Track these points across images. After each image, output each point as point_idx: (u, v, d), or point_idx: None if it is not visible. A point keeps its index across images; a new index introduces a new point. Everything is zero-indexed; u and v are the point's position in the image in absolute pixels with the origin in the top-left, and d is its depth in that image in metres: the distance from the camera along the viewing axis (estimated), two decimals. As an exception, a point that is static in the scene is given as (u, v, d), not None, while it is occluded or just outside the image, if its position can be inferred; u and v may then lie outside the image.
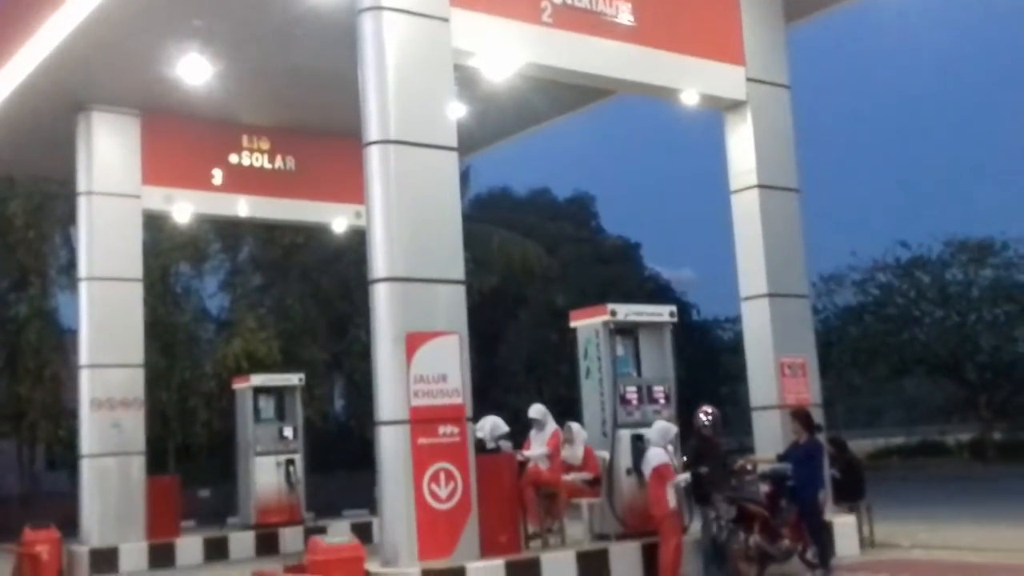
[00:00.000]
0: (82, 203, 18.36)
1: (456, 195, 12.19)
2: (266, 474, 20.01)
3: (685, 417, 13.15)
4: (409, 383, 11.14)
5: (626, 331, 13.59)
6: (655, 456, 12.19)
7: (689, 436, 12.96)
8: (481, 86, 15.31)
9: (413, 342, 11.24)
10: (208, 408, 29.36)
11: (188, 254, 30.01)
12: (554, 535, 12.97)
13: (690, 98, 14.82)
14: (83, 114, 18.23)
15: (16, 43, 16.65)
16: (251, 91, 18.08)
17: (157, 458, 22.48)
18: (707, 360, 40.64)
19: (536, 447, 13.09)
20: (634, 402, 13.24)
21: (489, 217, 36.51)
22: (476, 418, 12.05)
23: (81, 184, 18.33)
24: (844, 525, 13.90)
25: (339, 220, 21.22)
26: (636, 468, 12.78)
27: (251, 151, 20.04)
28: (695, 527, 12.64)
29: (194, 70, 16.47)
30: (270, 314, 30.96)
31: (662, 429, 12.52)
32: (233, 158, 19.84)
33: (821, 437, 13.33)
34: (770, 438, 14.17)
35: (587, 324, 13.46)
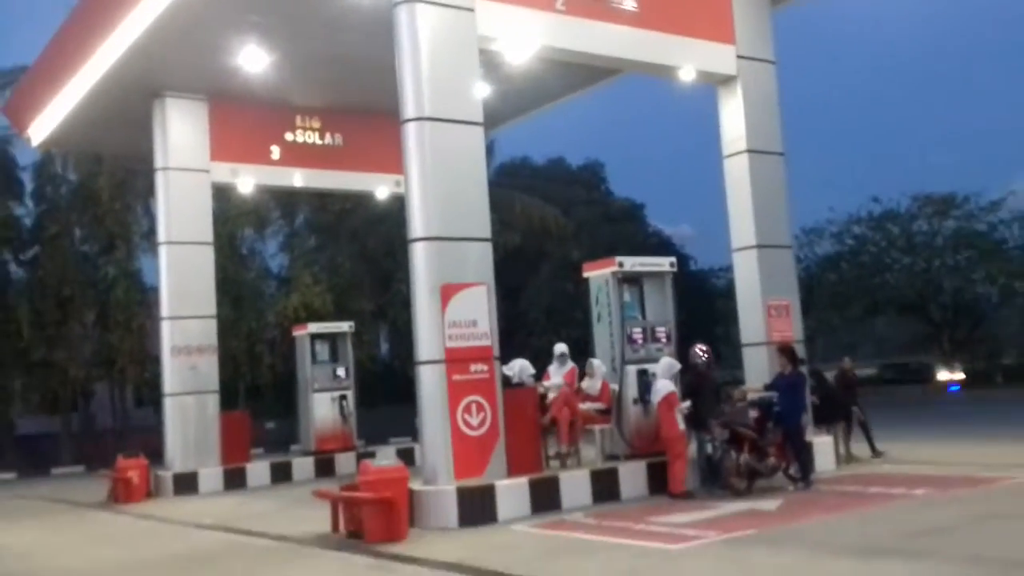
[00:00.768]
0: (159, 177, 18.45)
1: (482, 164, 12.14)
2: (323, 408, 20.19)
3: (682, 354, 13.16)
4: (444, 328, 11.19)
5: (632, 280, 13.57)
6: (664, 387, 12.24)
7: (686, 371, 12.97)
8: (503, 68, 15.21)
9: (447, 292, 11.28)
10: (272, 352, 29.68)
11: (252, 220, 30.13)
12: (571, 457, 13.07)
13: (687, 75, 14.66)
14: (158, 100, 18.26)
15: (99, 39, 16.62)
16: (303, 77, 18.02)
17: (229, 396, 22.73)
18: (703, 304, 40.49)
19: (555, 379, 13.17)
20: (639, 341, 13.24)
21: (512, 183, 36.34)
22: (503, 359, 12.11)
23: (158, 161, 18.41)
24: (822, 444, 13.95)
25: (381, 188, 21.21)
26: (642, 398, 12.84)
27: (304, 129, 20.02)
28: (692, 448, 12.70)
29: (253, 60, 16.46)
30: (323, 271, 31.12)
31: (667, 364, 12.57)
32: (288, 136, 19.84)
33: (804, 369, 13.33)
34: (759, 371, 14.20)
35: (598, 275, 13.44)
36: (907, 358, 46.04)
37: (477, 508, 10.80)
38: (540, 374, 13.56)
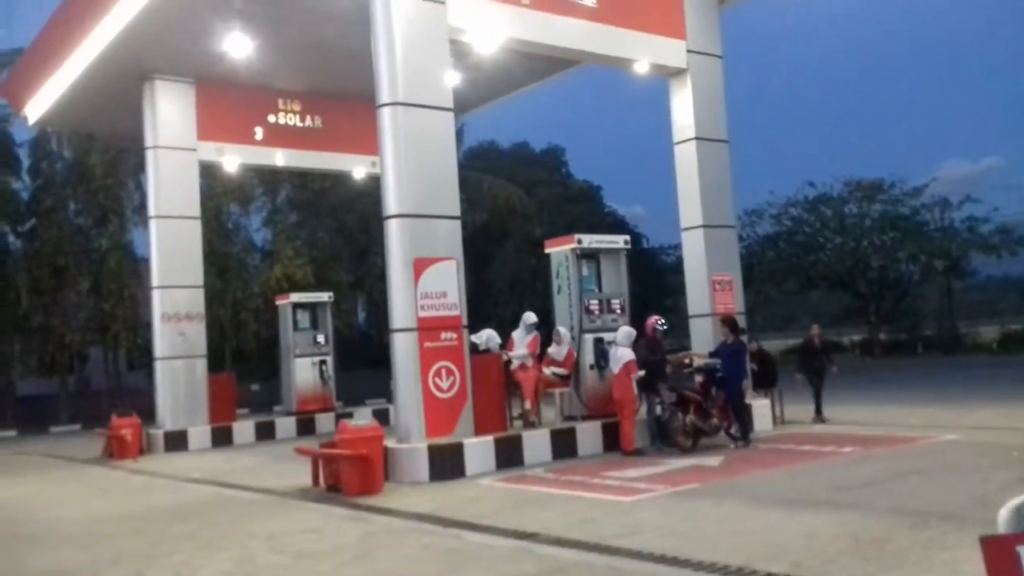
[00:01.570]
0: (149, 156, 18.15)
1: (452, 147, 12.06)
2: (304, 372, 20.11)
3: (637, 324, 13.20)
4: (416, 299, 11.16)
5: (590, 256, 13.59)
6: (624, 354, 12.24)
7: (639, 339, 13.03)
8: (472, 57, 15.10)
9: (419, 266, 11.23)
10: (256, 320, 29.45)
11: (236, 197, 29.80)
12: (533, 417, 13.11)
13: (641, 67, 14.63)
14: (148, 83, 17.92)
15: (92, 23, 16.26)
16: (284, 63, 17.76)
17: (216, 360, 22.54)
18: (654, 279, 40.67)
19: (519, 348, 13.15)
20: (596, 312, 13.29)
21: (479, 166, 36.17)
22: (471, 327, 12.05)
23: (148, 140, 18.09)
24: (761, 407, 14.10)
25: (358, 168, 21.02)
26: (598, 364, 12.90)
27: (285, 112, 19.78)
28: (643, 410, 12.80)
29: (237, 45, 16.12)
30: (304, 245, 30.85)
31: (627, 333, 12.57)
32: (271, 118, 19.59)
33: (744, 338, 13.46)
34: (704, 339, 14.31)
35: (559, 251, 13.44)
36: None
37: (447, 464, 10.83)
38: (505, 340, 13.57)
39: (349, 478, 10.09)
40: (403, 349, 11.21)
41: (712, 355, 12.91)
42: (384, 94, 11.45)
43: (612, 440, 12.34)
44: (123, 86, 17.62)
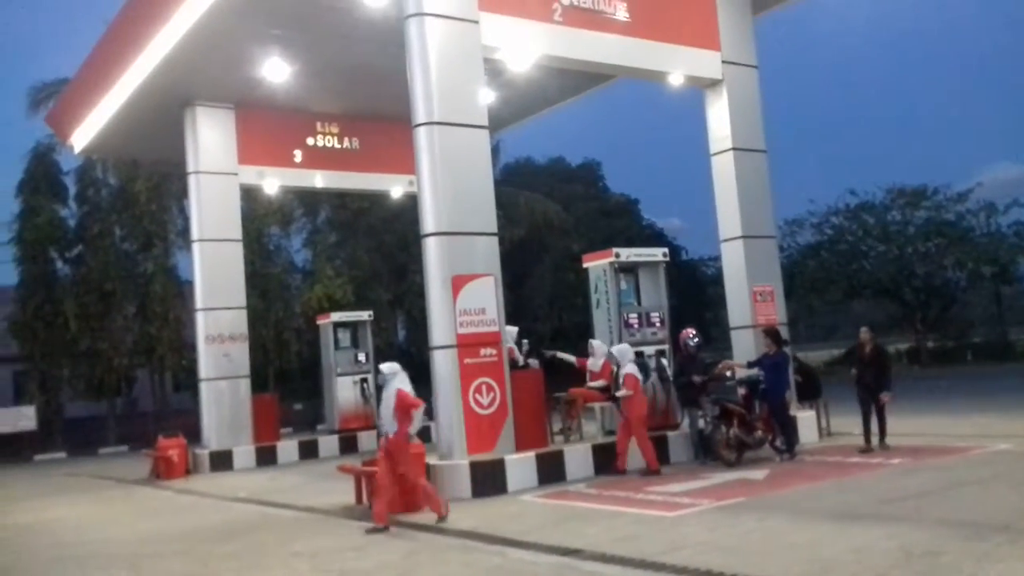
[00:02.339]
0: (192, 180, 18.47)
1: (488, 164, 12.12)
2: (345, 390, 20.27)
3: (675, 337, 13.11)
4: (456, 316, 11.20)
5: (628, 269, 13.56)
6: (631, 370, 11.77)
7: (677, 352, 12.93)
8: (506, 75, 15.20)
9: (458, 283, 11.28)
10: (298, 340, 29.75)
11: (277, 219, 30.19)
12: (574, 432, 13.07)
13: (676, 79, 14.59)
14: (189, 109, 18.27)
15: (134, 53, 16.63)
16: (321, 86, 18.00)
17: (259, 380, 22.81)
18: (694, 291, 40.46)
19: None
20: (635, 326, 13.25)
21: (516, 181, 36.30)
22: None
23: (190, 165, 18.42)
24: (805, 419, 13.92)
25: (396, 188, 21.21)
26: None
27: (324, 134, 20.03)
28: (685, 423, 12.67)
29: (276, 70, 16.46)
30: (344, 264, 31.12)
31: (624, 351, 12.11)
32: (310, 140, 19.85)
33: (787, 350, 13.29)
34: (746, 351, 14.15)
35: (596, 265, 13.43)
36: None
37: (488, 480, 10.83)
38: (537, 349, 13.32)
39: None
40: (443, 366, 11.24)
41: (751, 364, 12.77)
42: (420, 114, 11.54)
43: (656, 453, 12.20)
44: (165, 113, 17.97)
